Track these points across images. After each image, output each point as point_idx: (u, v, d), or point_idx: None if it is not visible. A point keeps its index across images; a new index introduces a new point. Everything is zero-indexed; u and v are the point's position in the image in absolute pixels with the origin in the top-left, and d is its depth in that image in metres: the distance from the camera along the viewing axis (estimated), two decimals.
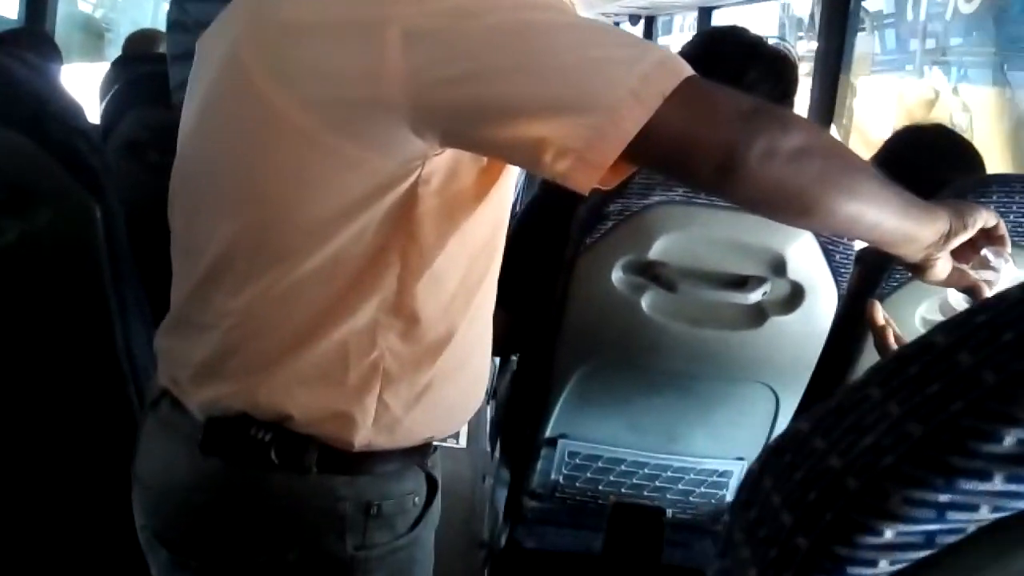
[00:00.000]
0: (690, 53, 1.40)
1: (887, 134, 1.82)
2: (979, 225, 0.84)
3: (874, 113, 2.97)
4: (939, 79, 2.82)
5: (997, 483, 0.35)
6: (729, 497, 1.58)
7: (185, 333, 0.90)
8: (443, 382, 0.89)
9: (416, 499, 0.92)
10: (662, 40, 6.52)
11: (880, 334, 1.12)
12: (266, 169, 0.81)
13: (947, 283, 0.88)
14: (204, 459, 0.86)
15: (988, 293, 0.87)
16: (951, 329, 0.39)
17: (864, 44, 3.06)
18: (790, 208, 0.77)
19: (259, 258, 0.82)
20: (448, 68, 0.72)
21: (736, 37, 1.40)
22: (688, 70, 0.73)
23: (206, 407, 0.87)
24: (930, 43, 2.98)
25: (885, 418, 0.39)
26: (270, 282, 0.82)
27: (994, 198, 1.28)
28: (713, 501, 1.59)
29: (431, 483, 0.94)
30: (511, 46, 0.72)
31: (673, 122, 0.70)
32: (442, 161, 0.79)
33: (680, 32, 6.72)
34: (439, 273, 0.84)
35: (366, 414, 0.85)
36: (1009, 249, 0.87)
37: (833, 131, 2.66)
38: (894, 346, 1.13)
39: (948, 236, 0.82)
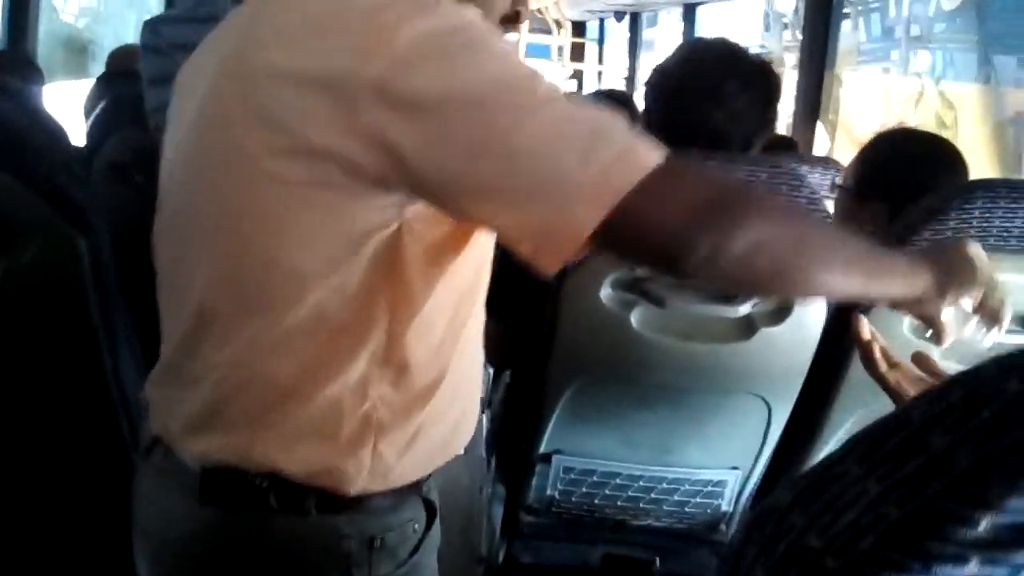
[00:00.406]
0: (670, 66, 1.40)
1: (873, 129, 1.81)
2: (968, 301, 0.84)
3: (860, 108, 2.97)
4: (925, 73, 2.82)
5: (973, 567, 0.36)
6: (724, 506, 1.59)
7: (175, 383, 0.89)
8: (434, 422, 0.89)
9: (416, 526, 0.93)
10: (647, 33, 6.50)
11: (866, 349, 1.12)
12: (242, 215, 0.80)
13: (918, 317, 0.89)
14: (201, 508, 0.86)
15: (947, 342, 0.88)
16: (927, 404, 0.39)
17: (848, 36, 3.06)
18: (747, 292, 0.78)
19: (241, 309, 0.82)
20: (413, 136, 0.71)
21: (715, 49, 1.39)
22: (649, 161, 0.70)
23: (200, 458, 0.87)
24: (915, 30, 2.98)
25: (863, 495, 0.39)
26: (254, 334, 0.81)
27: (979, 203, 1.28)
28: (709, 511, 1.59)
29: (429, 508, 0.95)
30: (479, 124, 0.70)
31: (627, 217, 0.69)
32: (422, 208, 0.78)
33: (666, 23, 6.71)
34: (428, 320, 0.83)
35: (361, 466, 0.85)
36: (1000, 328, 0.87)
37: (819, 128, 2.66)
38: (880, 361, 1.12)
39: (920, 301, 0.84)
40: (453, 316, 0.86)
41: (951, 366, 1.24)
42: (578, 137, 0.70)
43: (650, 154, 0.71)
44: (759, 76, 1.36)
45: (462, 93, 0.71)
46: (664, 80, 1.38)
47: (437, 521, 0.96)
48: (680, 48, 1.44)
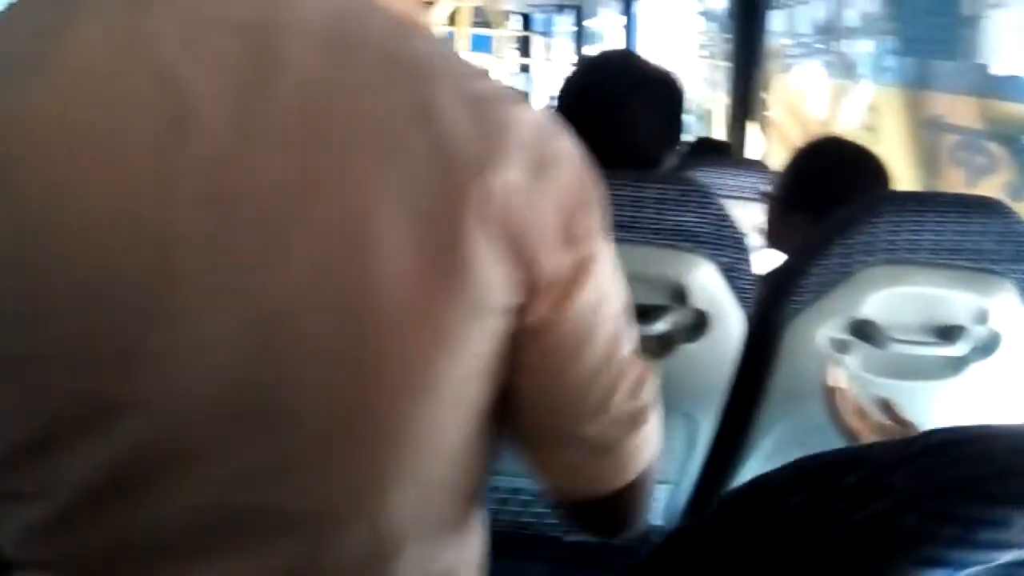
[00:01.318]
0: (571, 85, 1.39)
1: (803, 130, 1.82)
2: None
3: (791, 108, 2.98)
4: (850, 75, 2.83)
5: None
6: (657, 520, 1.59)
7: None
8: None
9: None
10: (588, 24, 6.49)
11: (831, 397, 1.04)
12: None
13: None
14: None
15: None
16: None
17: (778, 33, 3.06)
18: None
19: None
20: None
21: (616, 66, 1.38)
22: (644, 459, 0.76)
23: None
24: (843, 29, 3.00)
25: None
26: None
27: (885, 217, 1.29)
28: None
29: None
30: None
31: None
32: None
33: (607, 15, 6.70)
34: None
35: None
36: None
37: (753, 128, 2.67)
38: (847, 413, 1.05)
39: None
40: None
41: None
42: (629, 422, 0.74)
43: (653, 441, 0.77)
44: (661, 90, 1.35)
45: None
46: (567, 98, 1.37)
47: None
48: (581, 66, 1.43)
